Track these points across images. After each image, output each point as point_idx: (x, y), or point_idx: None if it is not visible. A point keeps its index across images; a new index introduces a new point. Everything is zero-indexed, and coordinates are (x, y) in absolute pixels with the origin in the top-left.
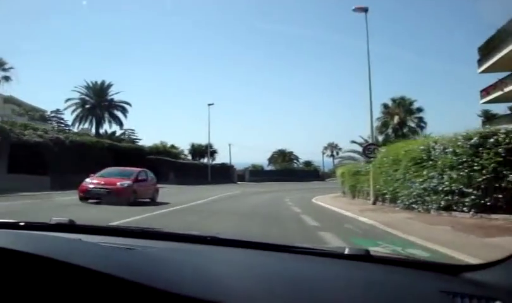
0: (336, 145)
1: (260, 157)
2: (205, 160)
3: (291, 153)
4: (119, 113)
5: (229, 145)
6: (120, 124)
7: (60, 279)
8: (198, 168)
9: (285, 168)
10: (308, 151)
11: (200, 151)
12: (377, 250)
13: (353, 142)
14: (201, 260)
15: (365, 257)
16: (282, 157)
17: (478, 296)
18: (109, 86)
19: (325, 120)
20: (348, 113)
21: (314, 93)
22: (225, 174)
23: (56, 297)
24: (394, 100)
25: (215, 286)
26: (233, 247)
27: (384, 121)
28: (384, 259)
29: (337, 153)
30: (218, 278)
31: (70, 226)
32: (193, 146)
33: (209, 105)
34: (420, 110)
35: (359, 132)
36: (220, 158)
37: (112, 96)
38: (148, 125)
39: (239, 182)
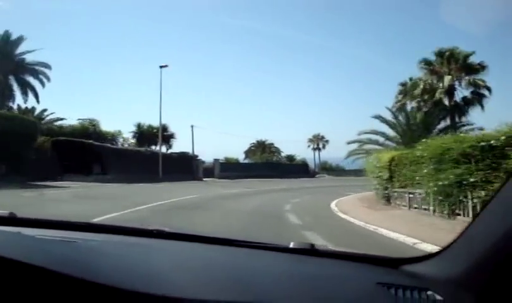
0: (323, 137)
1: (236, 151)
2: (158, 148)
3: (271, 144)
4: (33, 81)
5: (192, 127)
6: (35, 95)
7: None
8: (144, 158)
9: (266, 162)
10: (290, 144)
11: (150, 135)
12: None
13: (378, 117)
14: (143, 252)
15: (309, 251)
16: (262, 149)
17: (411, 287)
18: (19, 40)
19: (309, 110)
20: (335, 103)
21: (296, 82)
22: (185, 167)
23: None
24: (440, 53)
25: (155, 278)
26: (178, 241)
27: (424, 87)
28: (327, 253)
29: (324, 146)
30: (158, 271)
31: (9, 219)
32: (139, 127)
33: (161, 67)
34: (481, 68)
35: (355, 122)
36: (180, 146)
37: (23, 56)
38: (79, 99)
39: (205, 179)
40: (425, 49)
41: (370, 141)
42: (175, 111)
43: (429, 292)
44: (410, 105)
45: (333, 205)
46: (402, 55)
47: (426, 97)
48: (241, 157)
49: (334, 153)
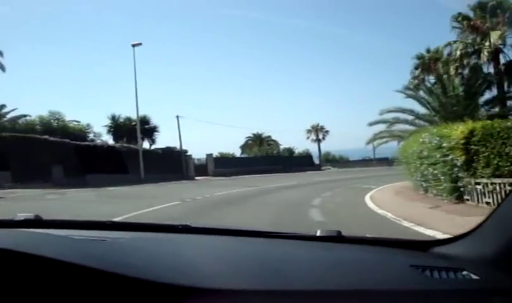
0: (322, 127)
1: (231, 147)
2: (146, 144)
3: (269, 137)
4: None
5: (177, 118)
6: None
7: (32, 274)
8: (120, 155)
9: (267, 155)
10: (288, 136)
11: (127, 129)
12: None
13: (406, 91)
14: (172, 247)
15: (337, 238)
16: (259, 143)
17: (446, 268)
18: None
19: (306, 100)
20: (334, 92)
21: (292, 71)
22: (173, 165)
23: (29, 291)
24: (482, 5)
25: (186, 270)
26: (205, 235)
27: (463, 48)
28: (355, 239)
29: (324, 137)
30: (189, 263)
31: (37, 222)
32: (114, 120)
33: (134, 45)
34: None
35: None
36: (167, 142)
37: None
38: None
39: (198, 177)
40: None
41: (398, 121)
42: (161, 104)
43: (464, 272)
44: (428, 80)
45: (379, 207)
46: (407, 39)
47: (465, 62)
48: (237, 153)
49: (335, 144)
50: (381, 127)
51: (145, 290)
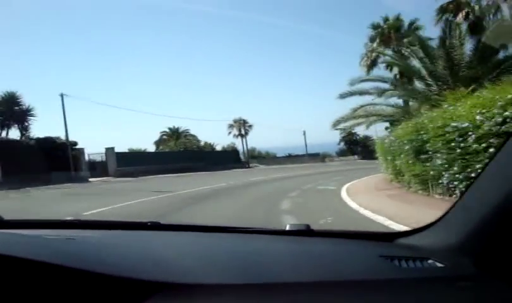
0: (245, 121)
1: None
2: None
3: (187, 131)
4: None
5: (62, 97)
6: None
7: None
8: None
9: (185, 150)
10: (207, 131)
11: None
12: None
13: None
14: (142, 243)
15: (306, 232)
16: (176, 138)
17: (412, 257)
18: None
19: (225, 92)
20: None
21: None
22: (56, 161)
23: None
24: None
25: (160, 266)
26: (174, 231)
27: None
28: (324, 233)
29: (246, 132)
30: (161, 259)
31: None
32: None
33: None
34: None
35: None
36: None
37: None
38: None
39: (93, 179)
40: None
41: (379, 91)
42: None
43: (430, 261)
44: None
45: None
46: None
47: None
48: (151, 149)
49: (259, 139)
50: (349, 105)
51: (117, 286)
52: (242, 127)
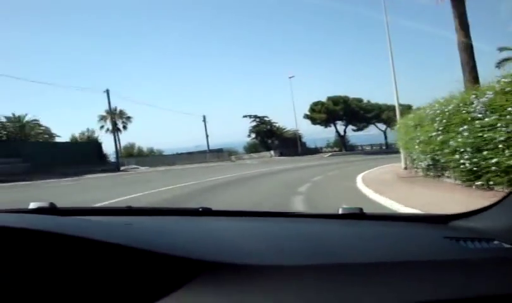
0: (122, 111)
1: None
2: None
3: (35, 121)
4: None
5: None
6: None
7: (61, 256)
8: None
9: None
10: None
11: None
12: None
13: None
14: (201, 228)
15: (359, 215)
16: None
17: (478, 238)
18: None
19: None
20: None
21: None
22: None
23: (60, 274)
24: None
25: (221, 247)
26: (228, 217)
27: None
28: (377, 216)
29: (125, 126)
30: (221, 241)
31: (52, 210)
32: None
33: None
34: None
35: None
36: None
37: None
38: None
39: None
40: None
41: None
42: None
43: (496, 242)
44: None
45: None
46: None
47: None
48: None
49: (140, 134)
50: None
51: (178, 266)
52: (117, 118)
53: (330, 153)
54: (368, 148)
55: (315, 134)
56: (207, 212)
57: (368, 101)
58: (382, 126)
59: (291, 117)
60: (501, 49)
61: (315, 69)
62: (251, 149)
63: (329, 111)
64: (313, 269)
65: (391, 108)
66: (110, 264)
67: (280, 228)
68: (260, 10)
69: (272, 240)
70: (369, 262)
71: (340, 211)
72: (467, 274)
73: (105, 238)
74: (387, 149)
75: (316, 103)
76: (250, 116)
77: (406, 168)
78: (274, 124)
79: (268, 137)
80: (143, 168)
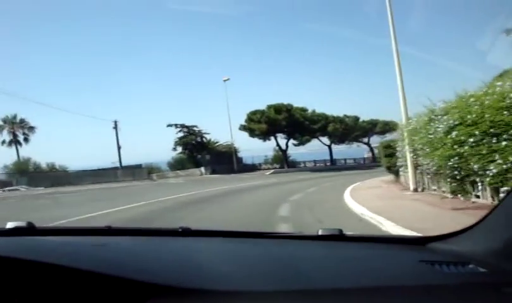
0: (24, 122)
1: None
2: None
3: None
4: None
5: None
6: None
7: (24, 281)
8: None
9: None
10: None
11: None
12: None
13: None
14: (176, 250)
15: (338, 236)
16: None
17: (453, 262)
18: None
19: None
20: None
21: None
22: None
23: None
24: None
25: (195, 272)
26: (206, 237)
27: None
28: (356, 238)
29: (27, 139)
30: (197, 265)
31: (29, 230)
32: None
33: None
34: None
35: None
36: None
37: None
38: None
39: None
40: None
41: None
42: None
43: (471, 265)
44: None
45: None
46: None
47: None
48: None
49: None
50: None
51: (153, 293)
52: (18, 129)
53: (272, 170)
54: (311, 165)
55: (254, 149)
56: (186, 232)
57: (314, 111)
58: (327, 140)
59: (225, 128)
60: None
61: (254, 76)
62: (177, 165)
63: (270, 121)
64: (284, 295)
65: (338, 120)
66: (77, 288)
67: (256, 250)
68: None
69: (245, 263)
70: (344, 288)
71: (319, 232)
72: (440, 300)
73: (71, 263)
74: (334, 166)
75: (254, 112)
76: (176, 125)
77: (416, 190)
78: (205, 136)
79: (199, 151)
80: (24, 189)
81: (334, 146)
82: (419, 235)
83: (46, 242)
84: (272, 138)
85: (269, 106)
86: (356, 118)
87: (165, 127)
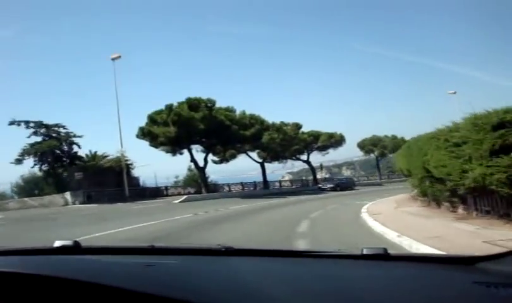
0: None
1: None
2: None
3: None
4: None
5: None
6: None
7: (70, 300)
8: None
9: None
10: None
11: None
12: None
13: None
14: (222, 270)
15: (383, 256)
16: None
17: (509, 284)
18: None
19: None
20: None
21: None
22: None
23: None
24: None
25: (245, 293)
26: (250, 256)
27: None
28: (401, 257)
29: None
30: (245, 287)
31: (75, 248)
32: None
33: None
34: None
35: None
36: None
37: None
38: None
39: None
40: None
41: None
42: None
43: None
44: None
45: None
46: None
47: None
48: None
49: None
50: None
51: None
52: None
53: (184, 197)
54: (238, 188)
55: (161, 168)
56: (229, 251)
57: (244, 113)
58: (256, 156)
59: (115, 137)
60: None
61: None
62: (28, 188)
63: (182, 122)
64: None
65: (275, 128)
66: None
67: (300, 270)
68: None
69: (290, 283)
70: None
71: (364, 251)
72: None
73: (123, 284)
74: (268, 190)
75: (159, 112)
76: (26, 123)
77: None
78: (76, 142)
79: (65, 168)
80: None
81: (267, 165)
82: (469, 254)
83: (92, 261)
84: (185, 151)
85: (181, 103)
86: (298, 127)
87: (7, 126)
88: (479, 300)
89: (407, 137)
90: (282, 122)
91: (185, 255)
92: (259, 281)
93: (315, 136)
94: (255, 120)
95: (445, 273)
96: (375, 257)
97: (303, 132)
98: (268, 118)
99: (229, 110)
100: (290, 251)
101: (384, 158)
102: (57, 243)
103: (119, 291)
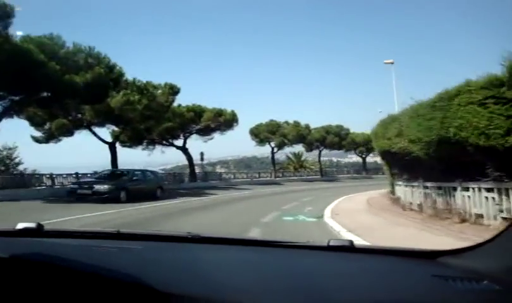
0: None
1: None
2: None
3: None
4: None
5: None
6: None
7: (32, 283)
8: None
9: None
10: None
11: None
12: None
13: None
14: (186, 258)
15: (349, 248)
16: None
17: (467, 277)
18: None
19: None
20: None
21: None
22: None
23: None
24: None
25: (206, 282)
26: (216, 244)
27: None
28: (366, 249)
29: None
30: (207, 275)
31: (38, 231)
32: None
33: None
34: None
35: None
36: None
37: None
38: None
39: None
40: None
41: None
42: None
43: (485, 282)
44: None
45: None
46: None
47: None
48: None
49: None
50: None
51: (164, 300)
52: None
53: None
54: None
55: None
56: (195, 239)
57: (78, 46)
58: (106, 132)
59: None
60: None
61: None
62: None
63: None
64: None
65: (139, 86)
66: (84, 292)
67: (266, 260)
68: None
69: (254, 273)
70: None
71: (330, 243)
72: None
73: (84, 268)
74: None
75: None
76: None
77: None
78: None
79: None
80: None
81: (124, 150)
82: (431, 249)
83: (54, 244)
84: None
85: None
86: (174, 91)
87: None
88: (437, 292)
89: (313, 125)
90: (149, 82)
91: (149, 241)
92: (221, 270)
93: (197, 111)
94: (97, 61)
95: (406, 266)
96: (341, 248)
97: (180, 106)
98: (126, 71)
99: (47, 38)
100: (258, 240)
101: (282, 150)
102: (20, 226)
103: (80, 274)
